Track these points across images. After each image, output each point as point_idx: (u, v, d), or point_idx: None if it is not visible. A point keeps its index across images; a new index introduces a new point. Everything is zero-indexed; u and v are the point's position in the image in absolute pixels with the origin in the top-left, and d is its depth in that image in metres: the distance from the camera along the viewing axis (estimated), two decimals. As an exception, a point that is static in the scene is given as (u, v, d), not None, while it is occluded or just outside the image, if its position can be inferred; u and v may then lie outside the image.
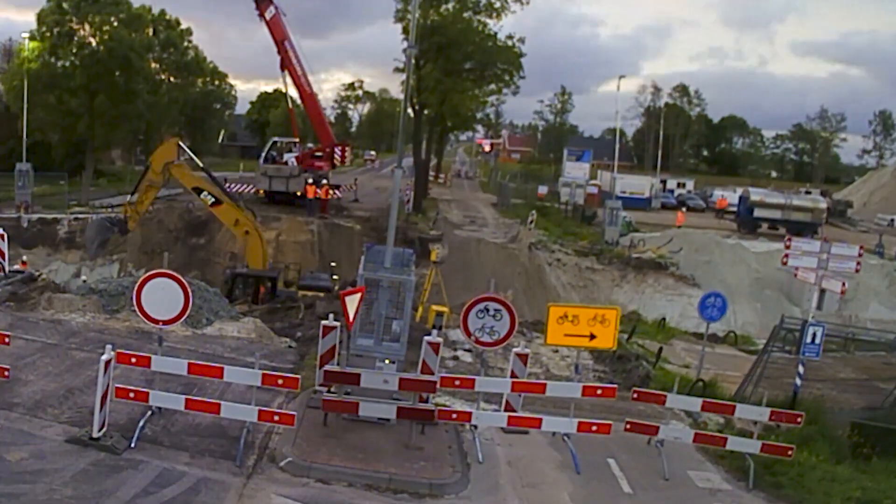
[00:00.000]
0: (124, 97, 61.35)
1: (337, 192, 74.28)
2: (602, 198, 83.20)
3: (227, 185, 70.23)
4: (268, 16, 67.31)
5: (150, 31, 66.66)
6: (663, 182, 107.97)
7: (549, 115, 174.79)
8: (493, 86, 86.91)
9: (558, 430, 21.07)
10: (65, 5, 61.23)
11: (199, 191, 47.11)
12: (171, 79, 72.13)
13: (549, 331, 21.47)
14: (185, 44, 76.83)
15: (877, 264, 58.68)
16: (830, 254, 24.95)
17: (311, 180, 69.99)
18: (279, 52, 70.03)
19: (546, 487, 18.78)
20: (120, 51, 60.46)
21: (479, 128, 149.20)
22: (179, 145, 48.84)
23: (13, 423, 18.95)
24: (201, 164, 50.31)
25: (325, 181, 70.83)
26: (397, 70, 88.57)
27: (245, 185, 71.91)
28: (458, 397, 23.67)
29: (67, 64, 58.71)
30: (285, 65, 70.91)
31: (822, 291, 25.25)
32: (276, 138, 77.45)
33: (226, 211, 46.86)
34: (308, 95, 73.90)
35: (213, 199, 46.48)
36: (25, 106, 57.21)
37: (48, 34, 58.68)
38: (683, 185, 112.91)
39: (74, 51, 58.68)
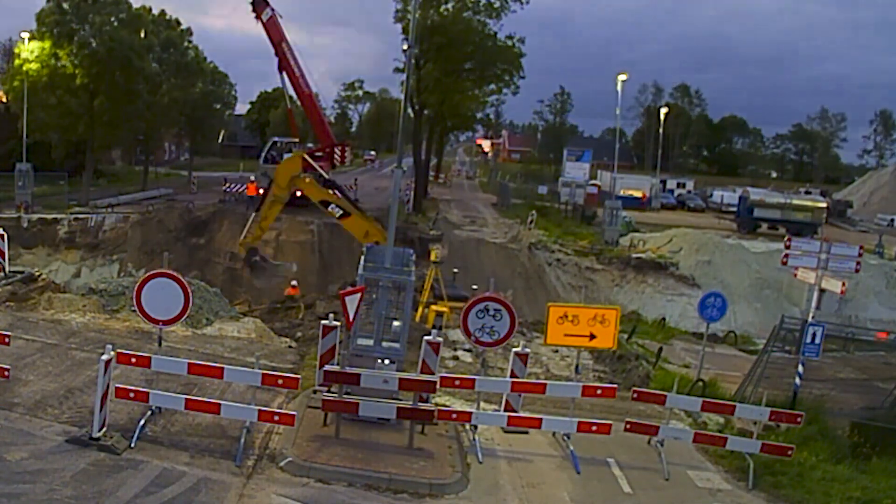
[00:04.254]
0: (124, 97, 61.37)
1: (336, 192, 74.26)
2: (602, 198, 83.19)
3: (227, 185, 70.50)
4: (264, 18, 67.29)
5: (148, 32, 66.55)
6: (663, 182, 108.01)
7: (549, 115, 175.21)
8: (493, 86, 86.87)
9: (558, 430, 21.12)
10: (64, 5, 61.27)
11: (326, 203, 47.35)
12: (172, 79, 72.00)
13: (549, 331, 21.51)
14: (185, 44, 76.89)
15: (877, 264, 58.74)
16: (830, 254, 24.97)
17: (252, 178, 70.32)
18: (276, 54, 70.03)
19: (546, 487, 18.78)
20: (120, 51, 60.47)
21: (479, 128, 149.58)
22: (304, 158, 49.06)
23: (13, 422, 18.95)
24: (327, 176, 50.49)
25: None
26: (397, 70, 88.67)
27: (243, 186, 71.83)
28: (458, 397, 23.68)
29: (67, 64, 58.70)
30: (283, 66, 70.96)
31: (822, 291, 25.24)
32: (275, 138, 77.42)
33: (355, 223, 47.01)
34: (306, 96, 73.93)
35: (340, 212, 46.70)
36: (25, 106, 57.22)
37: (48, 34, 58.68)
38: (683, 186, 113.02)
39: (74, 51, 58.65)
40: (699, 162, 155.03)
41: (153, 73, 65.06)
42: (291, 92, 74.29)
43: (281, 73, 71.55)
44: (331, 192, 48.43)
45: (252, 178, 70.46)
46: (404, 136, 26.93)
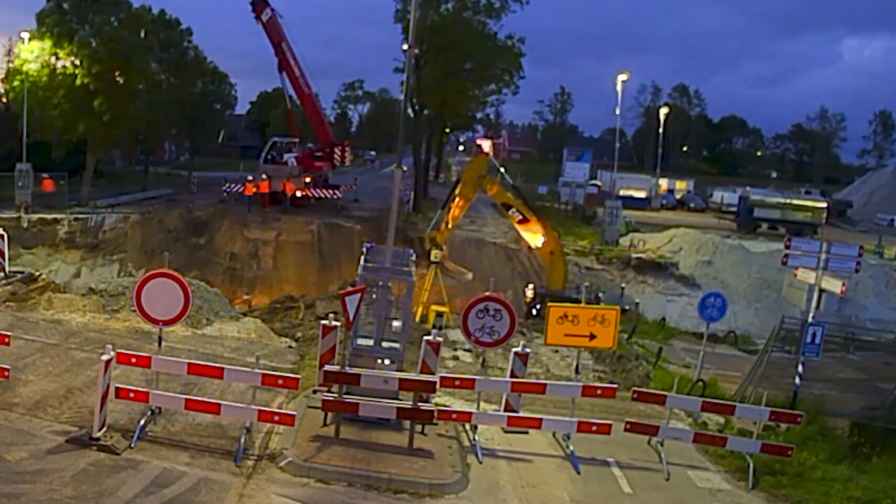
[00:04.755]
0: (124, 97, 61.41)
1: (337, 192, 74.25)
2: (602, 198, 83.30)
3: (227, 185, 70.48)
4: (264, 18, 67.34)
5: (148, 32, 66.53)
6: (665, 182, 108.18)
7: (550, 115, 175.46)
8: (492, 85, 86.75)
9: (558, 430, 21.17)
10: (65, 5, 61.27)
11: (507, 207, 47.32)
12: (172, 79, 71.99)
13: (549, 331, 21.52)
14: (186, 44, 76.91)
15: (876, 264, 58.80)
16: (830, 254, 24.97)
17: (250, 178, 70.48)
18: (276, 54, 70.02)
19: (546, 487, 18.81)
20: (120, 51, 60.50)
21: (479, 128, 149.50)
22: (490, 160, 49.22)
23: (13, 423, 18.99)
24: (511, 181, 50.62)
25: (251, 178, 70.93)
26: (397, 70, 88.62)
27: (242, 186, 71.63)
28: (458, 397, 23.73)
29: (67, 64, 58.73)
30: (283, 66, 70.92)
31: (822, 291, 25.25)
32: (275, 138, 77.19)
33: (532, 229, 46.90)
34: (307, 96, 73.91)
35: (520, 217, 46.65)
36: (25, 106, 57.26)
37: (48, 34, 58.70)
38: (671, 190, 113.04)
39: (74, 51, 58.68)
40: (699, 162, 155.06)
41: (153, 73, 65.06)
42: (292, 92, 74.30)
43: (281, 73, 71.61)
44: (514, 196, 48.55)
45: (250, 177, 70.27)
46: (404, 136, 26.93)
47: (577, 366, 22.61)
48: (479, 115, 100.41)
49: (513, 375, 21.57)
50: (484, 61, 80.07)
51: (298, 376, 19.72)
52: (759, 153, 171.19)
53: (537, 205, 79.76)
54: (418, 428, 20.31)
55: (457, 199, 47.37)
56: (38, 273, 38.60)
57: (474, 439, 20.86)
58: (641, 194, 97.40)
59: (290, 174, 71.77)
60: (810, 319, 24.72)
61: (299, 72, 72.12)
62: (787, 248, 26.05)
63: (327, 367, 19.82)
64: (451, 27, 76.11)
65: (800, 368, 24.33)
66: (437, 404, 21.27)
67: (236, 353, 27.06)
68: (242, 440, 18.88)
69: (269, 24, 68.10)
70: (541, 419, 20.81)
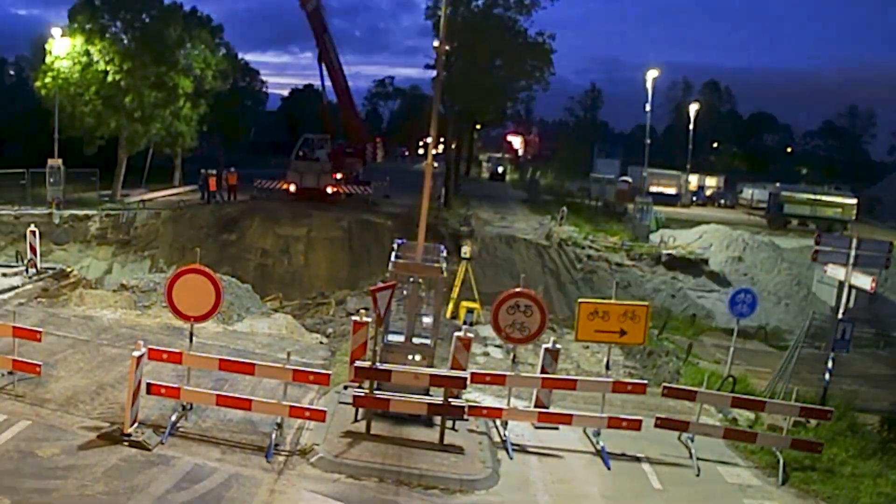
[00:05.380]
0: (156, 93, 61.60)
1: (368, 188, 74.27)
2: (632, 194, 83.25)
3: (259, 182, 70.61)
4: (309, 7, 67.06)
5: (179, 28, 66.60)
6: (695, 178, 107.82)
7: (580, 111, 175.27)
8: (522, 82, 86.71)
9: (589, 426, 21.14)
10: (96, 2, 61.51)
11: None
12: (203, 75, 72.13)
13: (580, 327, 21.50)
14: (216, 40, 77.01)
15: None
16: (860, 250, 24.86)
17: (212, 172, 70.49)
18: (318, 45, 69.81)
19: (576, 483, 18.81)
20: (152, 47, 60.74)
21: (510, 124, 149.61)
22: None
23: (45, 419, 19.14)
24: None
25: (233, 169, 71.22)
26: (428, 67, 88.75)
27: (275, 182, 71.80)
28: (489, 393, 23.70)
29: (100, 61, 58.93)
30: (323, 57, 70.71)
31: (852, 288, 25.17)
32: (307, 134, 77.20)
33: None
34: (343, 90, 73.74)
35: None
36: (57, 103, 57.52)
37: (79, 31, 58.92)
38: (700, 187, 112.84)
39: (106, 47, 58.90)
40: (730, 158, 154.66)
41: (184, 69, 65.21)
42: (328, 84, 73.97)
43: (320, 64, 71.31)
44: None
45: (288, 176, 70.68)
46: (436, 132, 26.92)
47: (608, 362, 22.59)
48: (509, 112, 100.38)
49: (543, 371, 21.66)
50: (514, 58, 80.00)
51: (329, 372, 19.77)
52: (789, 149, 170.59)
53: (568, 201, 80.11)
54: (449, 424, 20.32)
55: None
56: (69, 269, 38.84)
57: (505, 435, 20.87)
58: (672, 190, 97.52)
59: (322, 170, 71.90)
60: (840, 315, 24.64)
61: (338, 64, 72.04)
62: (817, 244, 25.99)
63: (358, 364, 19.85)
64: (482, 24, 76.12)
65: (830, 364, 24.25)
66: (467, 400, 21.24)
67: (267, 350, 27.12)
68: (273, 436, 18.95)
69: (314, 12, 67.89)
70: (571, 415, 20.82)
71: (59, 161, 55.49)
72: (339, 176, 72.43)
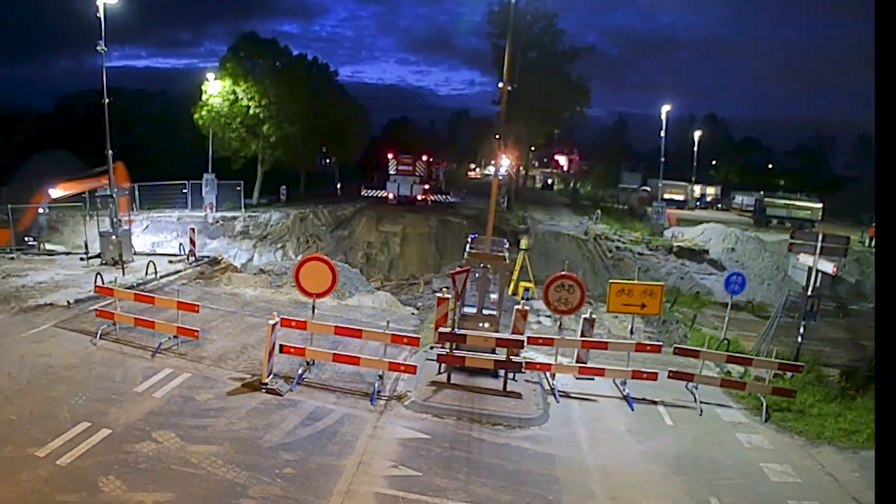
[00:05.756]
0: (287, 123, 62.22)
1: (449, 196, 75.20)
2: (650, 199, 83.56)
3: (365, 190, 71.26)
4: None
5: (303, 73, 67.17)
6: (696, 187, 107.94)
7: (610, 136, 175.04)
8: (567, 114, 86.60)
9: (617, 377, 21.15)
10: (241, 53, 62.19)
11: None
12: (320, 105, 72.31)
13: (610, 301, 22.07)
14: (331, 82, 77.39)
15: (860, 250, 58.35)
16: (824, 243, 25.06)
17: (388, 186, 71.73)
18: None
19: (607, 421, 18.81)
20: (284, 87, 61.38)
21: (557, 146, 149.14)
22: None
23: (202, 371, 19.47)
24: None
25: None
26: (494, 102, 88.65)
27: (377, 191, 73.04)
28: (541, 352, 23.72)
29: (243, 98, 59.57)
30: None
31: (818, 271, 25.32)
32: (402, 155, 78.12)
33: None
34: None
35: None
36: (211, 131, 58.28)
37: (228, 75, 59.64)
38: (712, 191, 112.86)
39: (248, 87, 59.55)
40: (725, 172, 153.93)
41: (308, 105, 65.65)
42: None
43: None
44: None
45: (388, 186, 72.27)
46: (499, 153, 27.05)
47: (632, 328, 23.46)
48: (556, 136, 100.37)
49: (582, 335, 21.89)
50: (560, 96, 79.63)
51: (419, 336, 19.81)
52: (770, 166, 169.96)
53: (601, 205, 79.92)
54: (510, 376, 20.42)
55: None
56: (220, 257, 39.38)
57: (553, 384, 20.95)
58: (680, 197, 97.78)
59: (414, 182, 72.86)
60: (809, 293, 24.84)
61: None
62: (792, 238, 26.29)
63: (441, 329, 20.00)
64: (536, 69, 75.78)
65: (801, 330, 24.43)
66: (524, 357, 21.31)
67: (372, 319, 27.31)
68: (376, 385, 19.13)
69: None
70: (604, 369, 20.89)
71: (213, 175, 56.19)
72: (426, 187, 73.32)
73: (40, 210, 40.25)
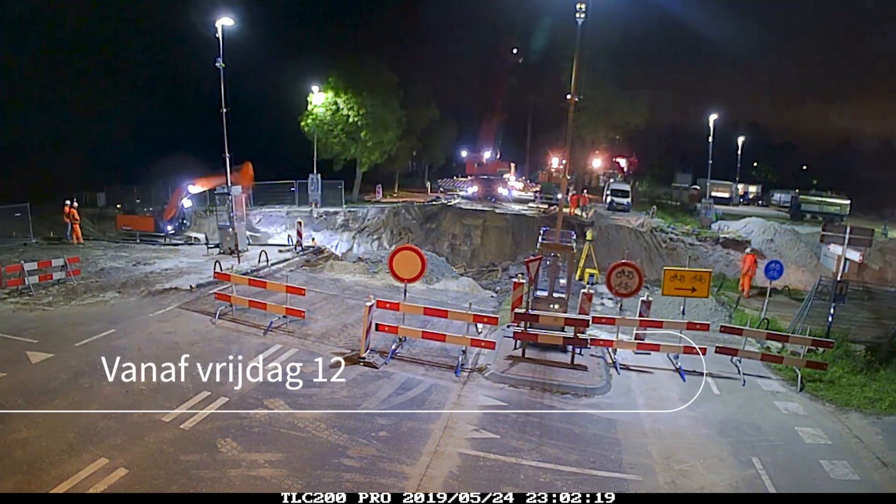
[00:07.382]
0: (381, 130, 62.68)
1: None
2: (700, 196, 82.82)
3: (439, 190, 71.79)
4: None
5: (395, 86, 67.58)
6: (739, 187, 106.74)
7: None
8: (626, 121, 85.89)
9: (671, 352, 21.00)
10: (342, 68, 62.87)
11: None
12: (410, 115, 72.51)
13: (665, 286, 22.03)
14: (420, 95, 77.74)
15: (882, 241, 56.98)
16: (852, 234, 24.78)
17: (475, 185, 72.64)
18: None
19: (662, 390, 18.68)
20: (379, 98, 61.88)
21: (618, 149, 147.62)
22: None
23: (307, 347, 19.80)
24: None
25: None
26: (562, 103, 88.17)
27: (466, 189, 74.24)
28: (604, 330, 23.59)
29: (343, 108, 60.09)
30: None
31: (847, 260, 25.06)
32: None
33: None
34: None
35: None
36: (316, 137, 58.98)
37: (330, 88, 60.26)
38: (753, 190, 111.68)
39: (348, 99, 60.03)
40: (766, 173, 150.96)
41: (399, 114, 65.96)
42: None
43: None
44: None
45: (475, 185, 73.49)
46: (571, 158, 27.11)
47: (683, 309, 22.83)
48: (617, 140, 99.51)
49: (640, 315, 21.82)
50: (619, 107, 78.65)
51: (497, 316, 20.03)
52: (804, 167, 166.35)
53: (657, 202, 79.29)
54: (577, 350, 20.37)
55: None
56: (324, 247, 39.89)
57: (614, 358, 20.86)
58: (726, 195, 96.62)
59: (495, 182, 73.67)
60: (838, 278, 24.71)
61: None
62: (824, 230, 26.21)
63: (517, 310, 20.08)
64: (597, 98, 75.10)
65: (832, 311, 24.33)
66: (590, 335, 21.23)
67: (456, 301, 27.43)
68: (460, 359, 19.24)
69: None
70: (659, 345, 20.79)
71: (318, 175, 56.91)
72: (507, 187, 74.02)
73: (185, 203, 41.57)
